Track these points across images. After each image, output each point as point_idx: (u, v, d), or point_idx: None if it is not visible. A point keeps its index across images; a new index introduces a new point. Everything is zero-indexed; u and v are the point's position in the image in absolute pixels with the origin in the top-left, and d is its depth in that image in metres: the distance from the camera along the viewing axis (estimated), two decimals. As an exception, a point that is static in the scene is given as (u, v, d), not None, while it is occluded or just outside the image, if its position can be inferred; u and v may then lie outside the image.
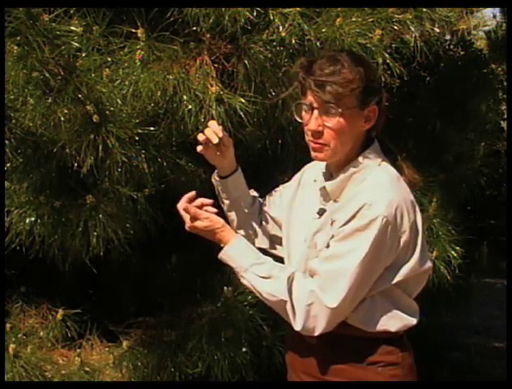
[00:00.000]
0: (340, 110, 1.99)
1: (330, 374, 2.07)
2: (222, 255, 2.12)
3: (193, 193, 2.19)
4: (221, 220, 2.15)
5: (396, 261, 2.01)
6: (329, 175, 2.14)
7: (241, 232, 2.30)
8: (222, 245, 2.12)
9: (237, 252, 2.10)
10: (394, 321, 2.05)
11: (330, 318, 1.99)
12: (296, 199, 2.25)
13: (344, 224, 1.98)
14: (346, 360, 2.06)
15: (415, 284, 2.09)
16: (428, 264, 2.10)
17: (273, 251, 2.32)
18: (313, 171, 2.25)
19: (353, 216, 1.97)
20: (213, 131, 2.18)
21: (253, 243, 2.30)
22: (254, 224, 2.33)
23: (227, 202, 2.31)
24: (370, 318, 2.03)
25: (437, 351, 4.58)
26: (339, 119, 2.00)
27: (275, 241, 2.33)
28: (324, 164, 2.18)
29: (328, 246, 2.02)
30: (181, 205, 2.16)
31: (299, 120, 2.09)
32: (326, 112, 2.01)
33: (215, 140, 2.17)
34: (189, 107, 2.78)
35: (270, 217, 2.34)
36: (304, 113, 2.07)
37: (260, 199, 2.38)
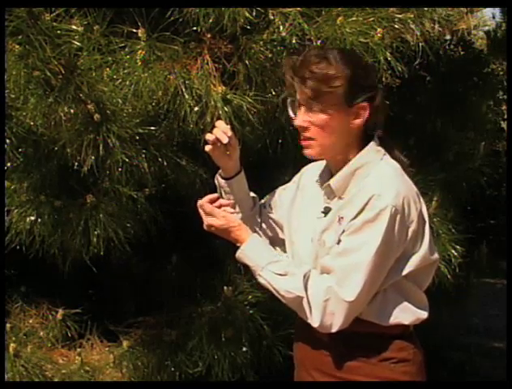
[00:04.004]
0: (321, 106, 2.02)
1: (343, 370, 2.07)
2: (239, 254, 2.12)
3: (215, 195, 2.21)
4: (237, 220, 2.17)
5: (405, 252, 2.02)
6: (329, 174, 2.14)
7: None
8: (238, 244, 2.13)
9: (254, 251, 2.10)
10: (407, 314, 2.06)
11: (348, 313, 1.99)
12: (296, 201, 2.25)
13: (354, 218, 1.99)
14: (358, 356, 2.05)
15: (424, 276, 2.09)
16: (436, 255, 2.11)
17: None
18: (312, 172, 2.24)
19: (362, 209, 1.97)
20: (222, 131, 2.18)
21: None
22: (255, 226, 2.33)
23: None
24: (383, 311, 2.04)
25: (436, 351, 4.58)
26: (321, 115, 2.03)
27: (275, 242, 2.32)
28: (324, 164, 2.18)
29: (339, 242, 2.02)
30: (200, 203, 2.18)
31: (292, 117, 2.12)
32: (309, 108, 2.04)
33: (225, 140, 2.17)
34: (196, 108, 2.77)
35: (271, 219, 2.34)
36: (298, 110, 2.10)
37: (259, 201, 2.39)
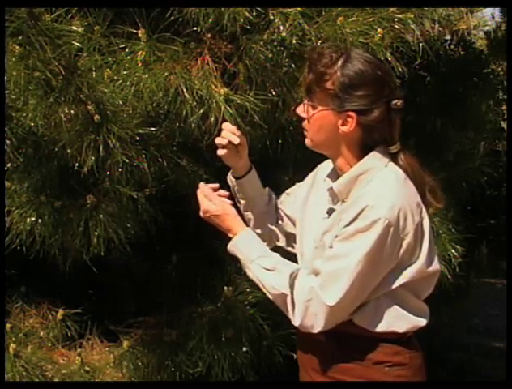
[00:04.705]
0: (312, 101, 2.05)
1: (338, 371, 2.07)
2: (230, 246, 2.13)
3: (216, 184, 2.22)
4: (233, 210, 2.17)
5: (400, 263, 2.00)
6: (336, 176, 2.14)
7: (258, 230, 2.30)
8: (231, 235, 2.14)
9: (245, 244, 2.11)
10: (402, 322, 2.04)
11: (329, 317, 1.98)
12: (310, 198, 2.25)
13: (347, 225, 1.98)
14: (353, 358, 2.05)
15: (423, 286, 2.07)
16: (436, 266, 2.08)
17: (290, 249, 2.33)
18: (324, 171, 2.24)
19: (356, 217, 1.96)
20: (231, 132, 2.20)
21: (270, 241, 2.32)
22: (271, 223, 2.34)
23: (243, 201, 2.32)
24: (376, 319, 2.02)
25: (437, 351, 4.58)
26: (311, 110, 2.06)
27: (291, 239, 2.33)
28: (333, 165, 2.18)
29: (332, 246, 2.02)
30: (201, 186, 2.19)
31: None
32: (307, 99, 2.08)
33: (237, 140, 2.19)
34: (201, 110, 2.77)
35: (286, 215, 2.35)
36: None
37: (275, 198, 2.39)
